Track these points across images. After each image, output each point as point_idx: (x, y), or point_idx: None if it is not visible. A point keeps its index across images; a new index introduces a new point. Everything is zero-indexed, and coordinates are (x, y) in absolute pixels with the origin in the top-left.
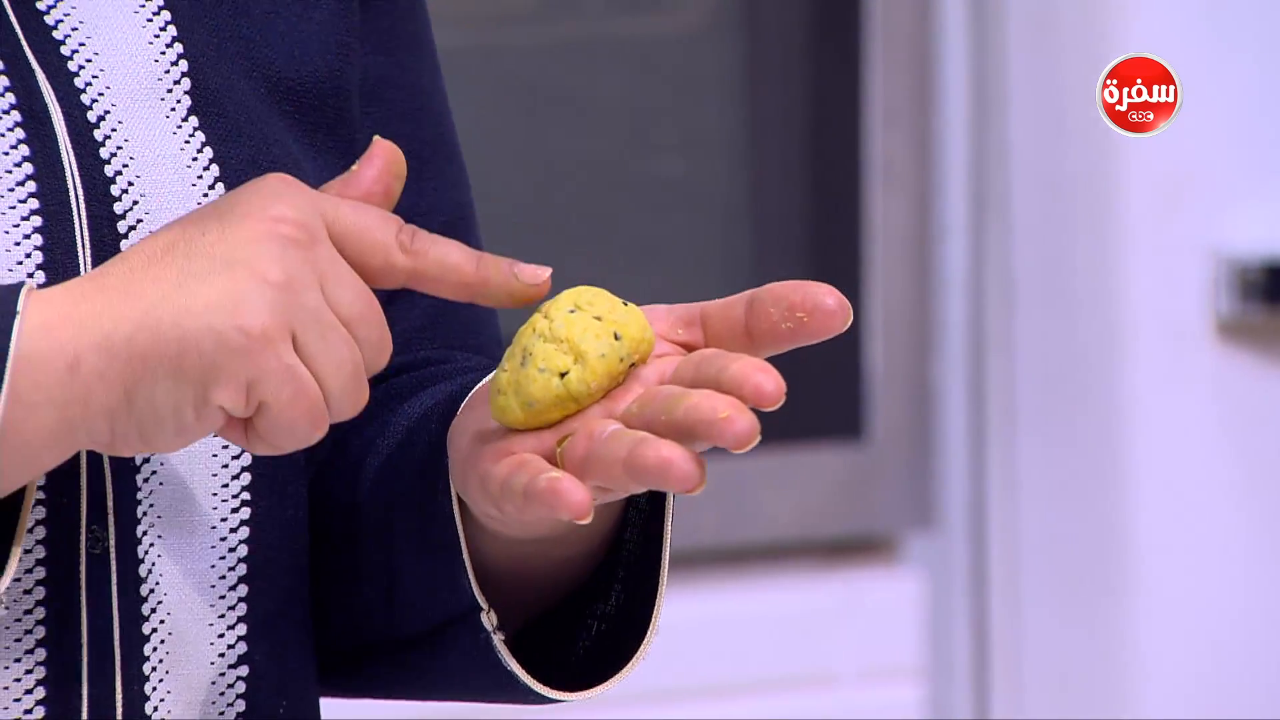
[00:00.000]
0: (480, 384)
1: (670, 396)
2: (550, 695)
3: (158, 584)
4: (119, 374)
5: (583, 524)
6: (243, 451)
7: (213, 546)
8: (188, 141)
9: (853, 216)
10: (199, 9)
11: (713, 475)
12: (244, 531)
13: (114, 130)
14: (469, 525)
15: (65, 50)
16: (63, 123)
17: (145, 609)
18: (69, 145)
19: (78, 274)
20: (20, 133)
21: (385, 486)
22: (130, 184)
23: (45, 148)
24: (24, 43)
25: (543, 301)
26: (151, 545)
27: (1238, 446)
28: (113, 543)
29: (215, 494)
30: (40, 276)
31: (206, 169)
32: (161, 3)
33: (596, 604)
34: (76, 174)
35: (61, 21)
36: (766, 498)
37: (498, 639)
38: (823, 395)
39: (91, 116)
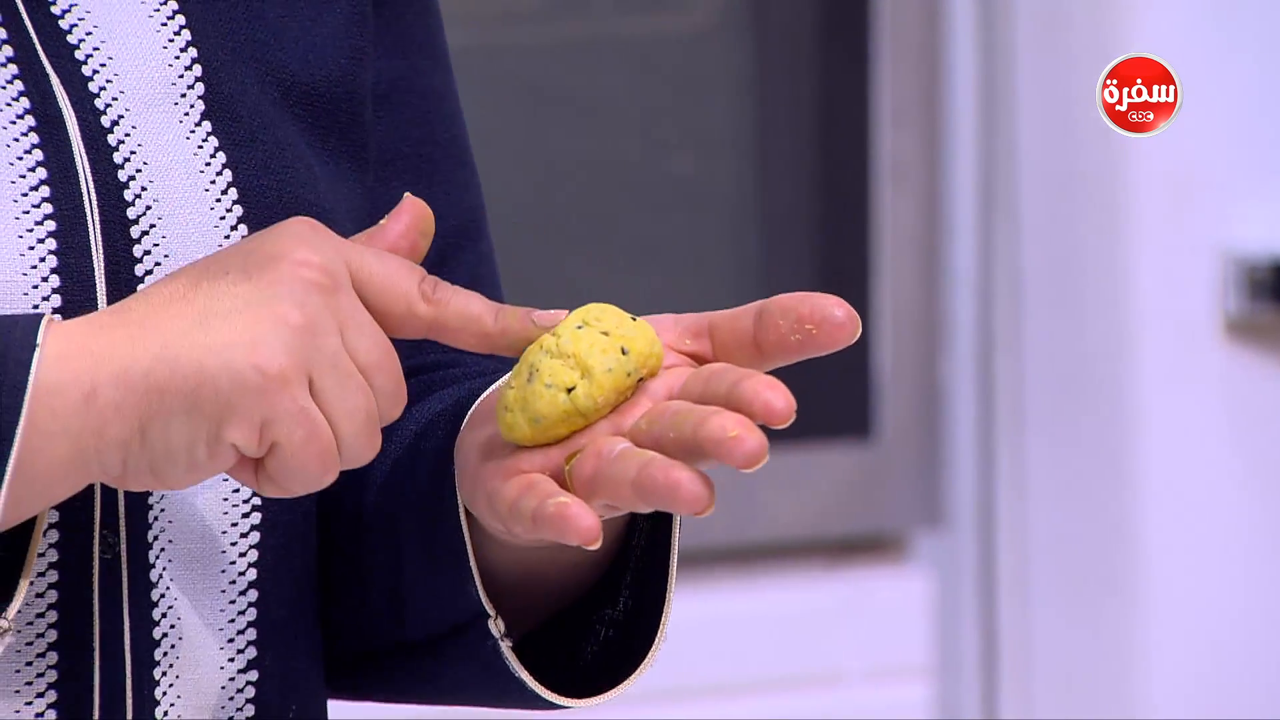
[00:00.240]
0: (487, 392)
1: (679, 413)
2: (557, 701)
3: (168, 589)
4: (134, 407)
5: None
6: None
7: (223, 552)
8: (201, 146)
9: (861, 216)
10: (213, 13)
11: (720, 474)
12: (254, 536)
13: (128, 135)
14: (475, 532)
15: (80, 55)
16: (76, 127)
17: (156, 614)
18: (83, 150)
19: (91, 278)
20: (35, 137)
21: (392, 493)
22: (144, 189)
23: (59, 152)
24: (39, 47)
25: None
26: (162, 550)
27: (1246, 445)
28: (124, 548)
29: (225, 499)
30: (54, 280)
31: (220, 174)
32: (176, 7)
33: (605, 609)
34: (90, 179)
35: (76, 26)
36: (775, 497)
37: (505, 646)
38: (831, 394)
39: (105, 121)
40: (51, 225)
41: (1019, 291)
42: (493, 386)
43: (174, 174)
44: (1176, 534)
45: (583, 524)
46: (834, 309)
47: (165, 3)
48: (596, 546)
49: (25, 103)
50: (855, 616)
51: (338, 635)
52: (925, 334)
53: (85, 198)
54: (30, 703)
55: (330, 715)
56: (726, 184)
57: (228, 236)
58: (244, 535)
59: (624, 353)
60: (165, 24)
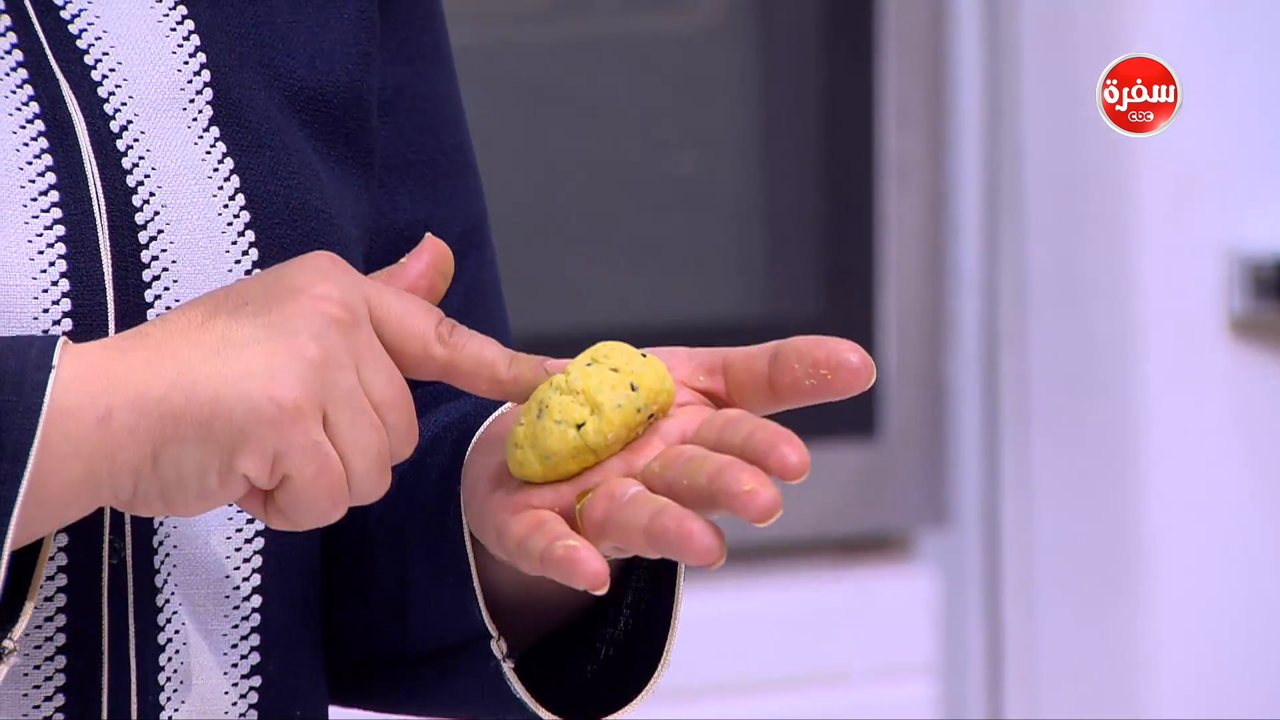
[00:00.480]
0: (492, 418)
1: (693, 460)
2: None
3: (173, 595)
4: (148, 432)
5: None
6: None
7: (227, 558)
8: (209, 151)
9: (866, 215)
10: (221, 18)
11: None
12: (258, 543)
13: (136, 140)
14: (479, 552)
15: (89, 59)
16: (85, 132)
17: (160, 619)
18: (91, 155)
19: (100, 283)
20: (44, 142)
21: (397, 507)
22: (152, 194)
23: (68, 157)
24: (48, 52)
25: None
26: (167, 556)
27: (1251, 443)
28: (129, 554)
29: (230, 504)
30: (64, 285)
31: (227, 179)
32: (185, 12)
33: (605, 628)
34: (99, 183)
35: (85, 30)
36: (781, 495)
37: (507, 667)
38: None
39: (114, 126)
40: (60, 230)
41: (1024, 291)
42: (498, 412)
43: (182, 179)
44: (1181, 533)
45: (590, 569)
46: (849, 355)
47: (174, 7)
48: (603, 592)
49: (35, 107)
50: (860, 615)
51: (340, 642)
52: (930, 333)
53: (94, 202)
54: (38, 706)
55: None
56: (730, 183)
57: (235, 242)
58: (248, 541)
59: (633, 389)
60: (174, 29)
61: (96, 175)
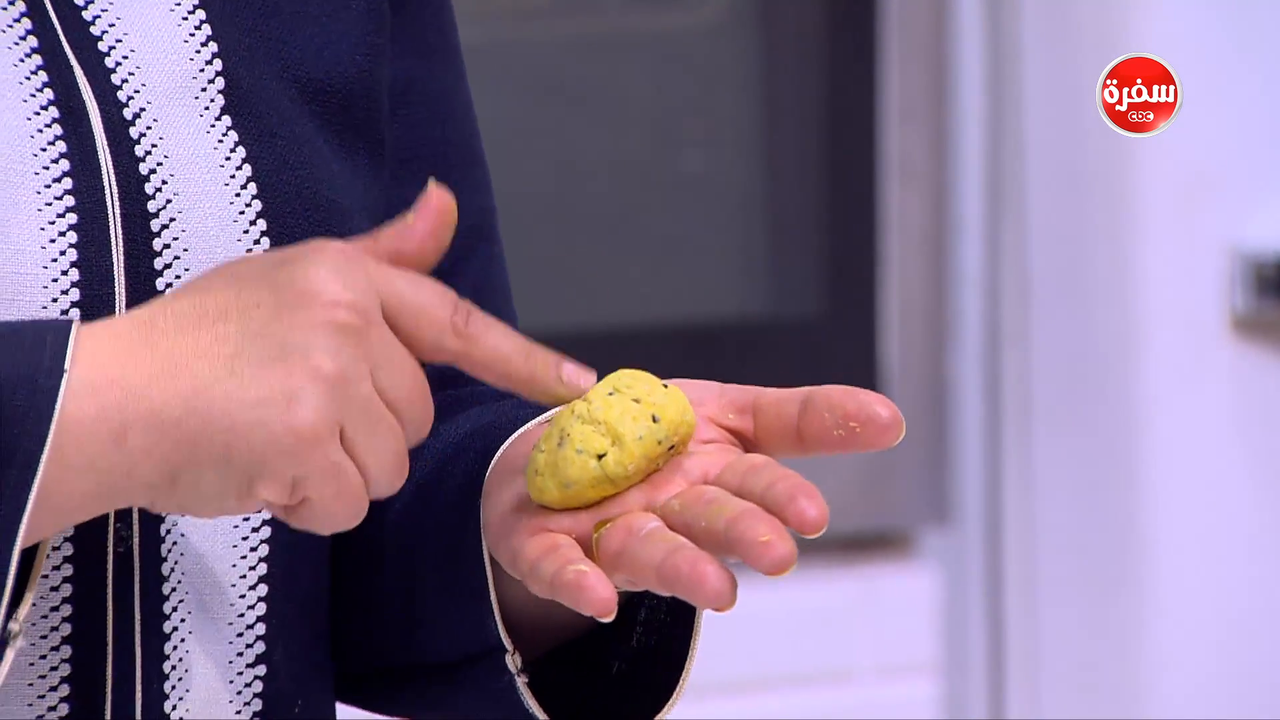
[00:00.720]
0: (517, 433)
1: (713, 503)
2: None
3: (179, 583)
4: (165, 455)
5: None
6: None
7: (234, 546)
8: (221, 140)
9: (868, 213)
10: (232, 8)
11: None
12: (265, 531)
13: (149, 128)
14: (496, 566)
15: (102, 47)
16: (99, 119)
17: (166, 608)
18: (105, 142)
19: (111, 271)
20: (57, 129)
21: (414, 517)
22: (164, 182)
23: (81, 144)
24: (63, 39)
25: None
26: (175, 544)
27: (1254, 441)
28: (136, 541)
29: None
30: (74, 274)
31: (240, 169)
32: (197, 2)
33: (617, 644)
34: (112, 171)
35: (99, 17)
36: None
37: (521, 682)
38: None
39: (127, 114)
40: (73, 218)
41: (1026, 288)
42: (519, 431)
43: (195, 168)
44: (1183, 530)
45: (598, 595)
46: (879, 410)
47: None
48: (610, 619)
49: (49, 94)
50: (862, 613)
51: (350, 649)
52: (933, 331)
53: (107, 190)
54: (43, 696)
55: (339, 714)
56: (732, 181)
57: (246, 231)
58: (255, 530)
59: (655, 420)
60: (186, 18)
61: (110, 163)
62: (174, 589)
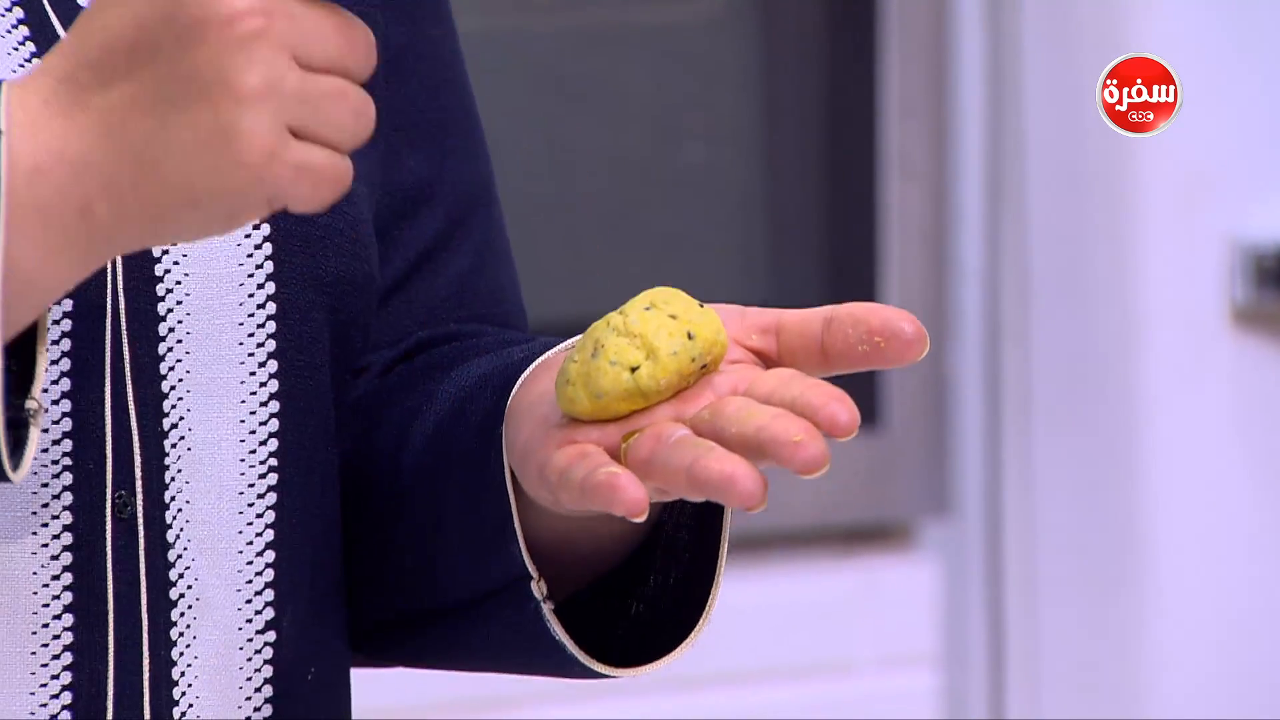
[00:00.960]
0: (538, 361)
1: (743, 409)
2: (595, 667)
3: (185, 549)
4: (135, 216)
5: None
6: (270, 418)
7: (240, 512)
8: None
9: (868, 207)
10: None
11: None
12: (271, 498)
13: None
14: (519, 498)
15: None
16: None
17: (173, 574)
18: None
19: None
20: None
21: (434, 455)
22: None
23: None
24: (49, 8)
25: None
26: (180, 510)
27: (1254, 434)
28: (140, 508)
29: (243, 459)
30: None
31: None
32: None
33: (639, 585)
34: None
35: None
36: (783, 485)
37: (547, 608)
38: (839, 384)
39: None
40: None
41: (1026, 282)
42: (542, 357)
43: None
44: (1183, 523)
45: (630, 495)
46: (904, 324)
47: None
48: (642, 519)
49: (19, 13)
50: (861, 605)
51: (368, 600)
52: (933, 325)
53: None
54: (46, 664)
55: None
56: (733, 175)
57: None
58: (260, 496)
59: (690, 337)
60: None
61: None
62: (180, 555)
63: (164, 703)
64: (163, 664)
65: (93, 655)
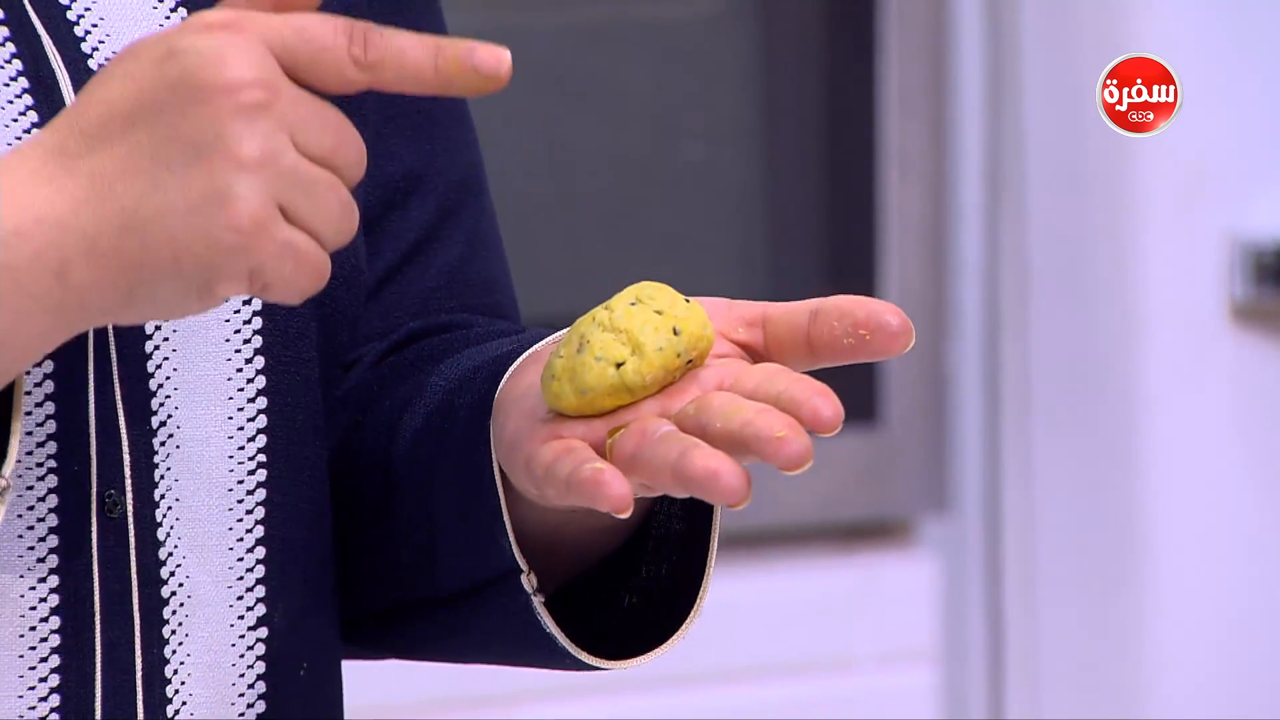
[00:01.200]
0: (526, 353)
1: (728, 404)
2: (586, 660)
3: (176, 547)
4: (113, 281)
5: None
6: (259, 413)
7: (230, 509)
8: None
9: (868, 204)
10: None
11: None
12: (261, 493)
13: None
14: (509, 492)
15: (71, 15)
16: (70, 89)
17: (164, 572)
18: None
19: None
20: (29, 99)
21: (425, 447)
22: None
23: (53, 113)
24: (29, 7)
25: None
26: (170, 508)
27: (1253, 431)
28: (129, 507)
29: (232, 456)
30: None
31: None
32: None
33: (631, 577)
34: None
35: (73, 2)
36: (782, 482)
37: (537, 601)
38: (838, 381)
39: None
40: None
41: (1026, 279)
42: (531, 349)
43: None
44: (1182, 520)
45: (615, 491)
46: (889, 317)
47: None
48: (627, 515)
49: (18, 64)
50: (861, 602)
51: (362, 591)
52: (932, 321)
53: None
54: (34, 668)
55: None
56: (733, 173)
57: None
58: (250, 493)
59: (676, 333)
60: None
61: None
62: (170, 554)
63: (157, 701)
64: (155, 662)
65: (81, 655)
